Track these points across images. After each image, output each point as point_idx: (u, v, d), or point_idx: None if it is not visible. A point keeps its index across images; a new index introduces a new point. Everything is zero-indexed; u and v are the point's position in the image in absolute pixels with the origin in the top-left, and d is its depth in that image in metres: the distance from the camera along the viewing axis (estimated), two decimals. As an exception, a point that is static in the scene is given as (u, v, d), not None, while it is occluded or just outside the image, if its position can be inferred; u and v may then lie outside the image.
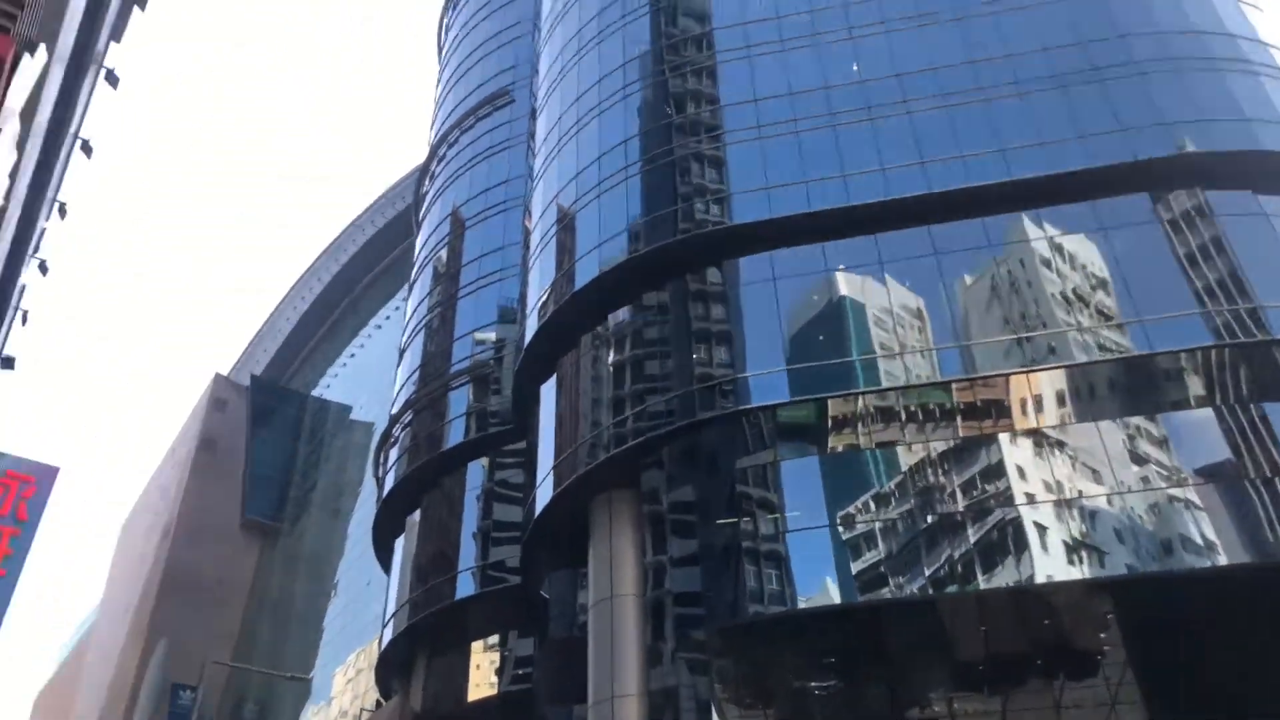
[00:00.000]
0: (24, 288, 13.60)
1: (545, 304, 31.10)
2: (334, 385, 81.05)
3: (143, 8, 13.39)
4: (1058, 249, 26.03)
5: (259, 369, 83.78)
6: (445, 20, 51.85)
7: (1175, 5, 28.89)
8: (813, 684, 25.23)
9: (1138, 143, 26.45)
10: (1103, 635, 24.28)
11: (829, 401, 25.12)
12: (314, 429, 78.82)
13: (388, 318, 73.09)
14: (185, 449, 79.14)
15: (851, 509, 23.98)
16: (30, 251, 13.32)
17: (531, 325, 31.62)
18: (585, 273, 29.62)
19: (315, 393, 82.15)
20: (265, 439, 77.48)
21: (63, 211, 14.25)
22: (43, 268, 14.43)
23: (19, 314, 14.51)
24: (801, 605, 22.85)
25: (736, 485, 25.27)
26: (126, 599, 78.04)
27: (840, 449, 25.16)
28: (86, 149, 13.74)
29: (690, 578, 25.25)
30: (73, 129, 13.36)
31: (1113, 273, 25.08)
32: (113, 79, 14.17)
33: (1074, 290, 25.24)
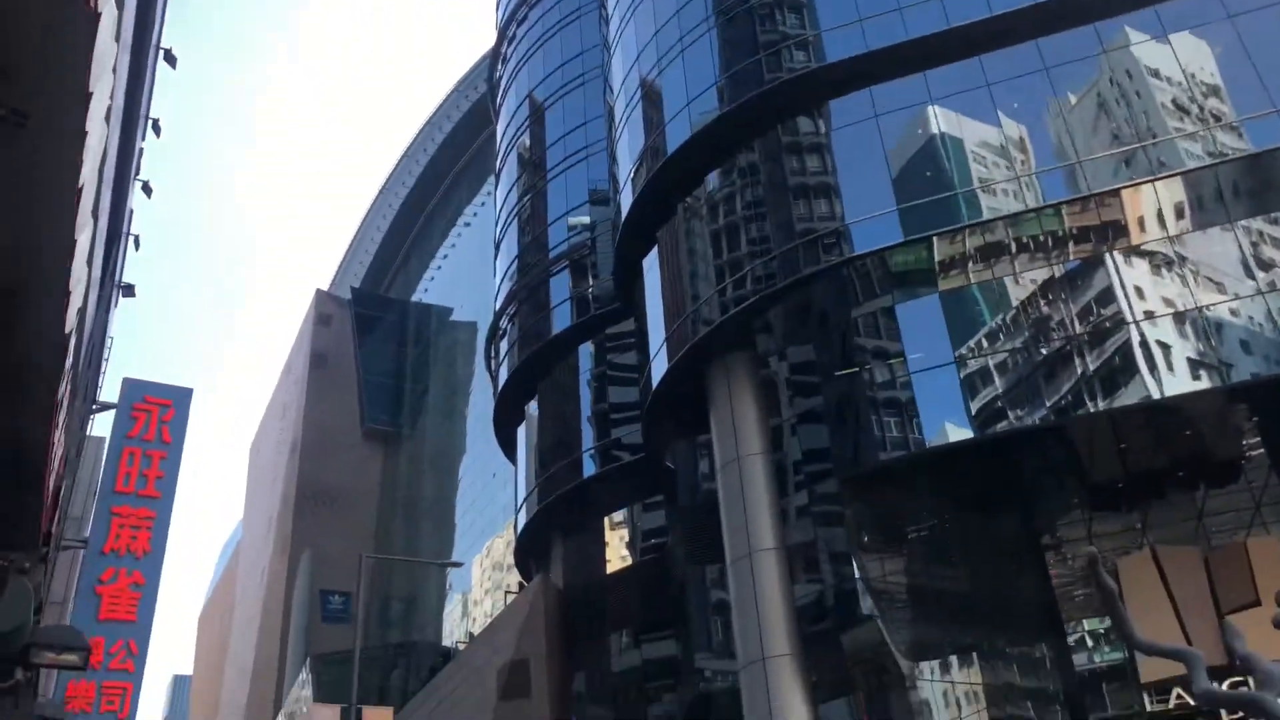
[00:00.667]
0: (131, 213, 13.46)
1: (638, 175, 30.42)
2: (431, 288, 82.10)
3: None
4: (1168, 53, 24.19)
5: (357, 281, 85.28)
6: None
7: None
8: (946, 520, 25.21)
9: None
10: (1244, 442, 23.65)
11: (937, 241, 24.20)
12: (418, 334, 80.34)
13: (475, 214, 73.19)
14: (299, 366, 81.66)
15: (970, 346, 23.58)
16: (133, 173, 13.13)
17: (626, 199, 31.04)
18: (676, 136, 28.76)
19: (414, 298, 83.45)
20: (372, 349, 79.29)
21: (156, 129, 14.00)
22: (146, 189, 14.29)
23: (130, 240, 14.43)
24: (930, 445, 22.54)
25: (851, 336, 24.82)
26: (266, 515, 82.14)
27: (953, 287, 24.36)
28: (170, 59, 13.37)
29: (813, 433, 25.18)
30: (154, 39, 12.97)
31: (1225, 72, 23.25)
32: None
33: (1188, 96, 23.54)
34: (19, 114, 5.33)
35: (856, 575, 22.39)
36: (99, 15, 5.17)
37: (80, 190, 6.01)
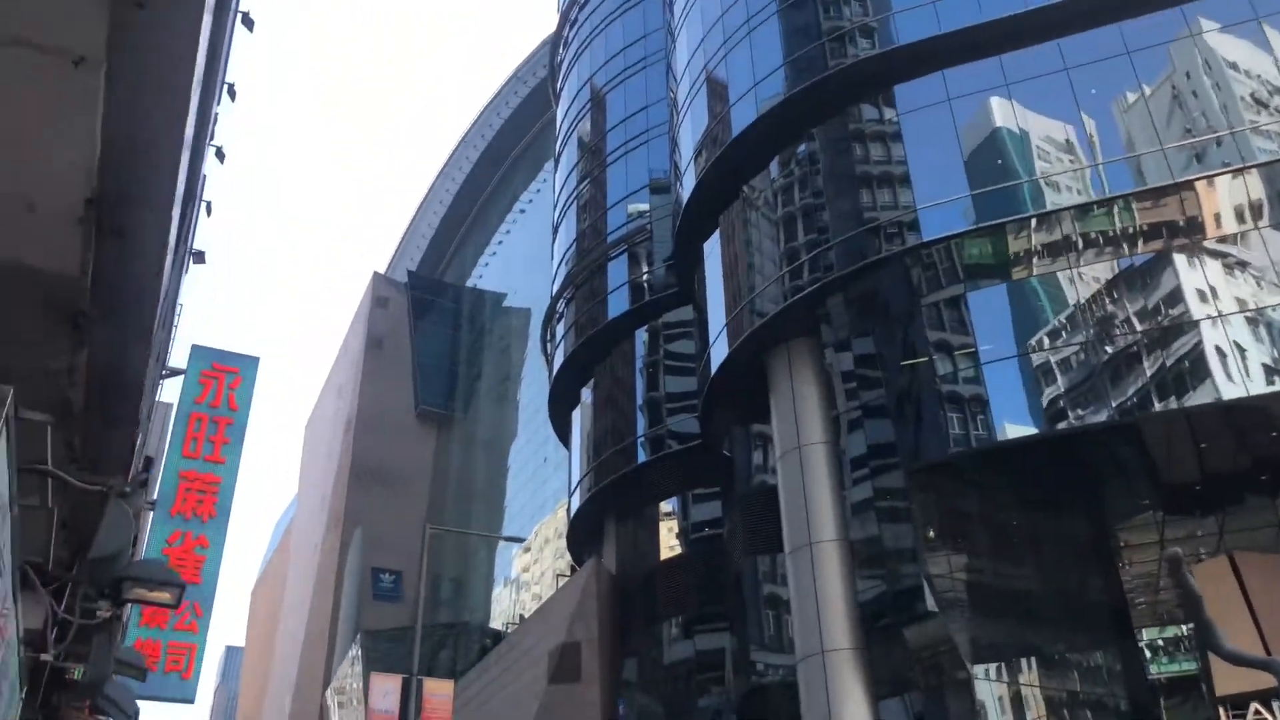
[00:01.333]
0: (205, 178, 13.30)
1: (701, 156, 30.04)
2: (485, 274, 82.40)
3: None
4: (1247, 45, 23.30)
5: (414, 265, 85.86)
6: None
7: None
8: (1013, 518, 24.61)
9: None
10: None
11: (1006, 231, 23.59)
12: (473, 318, 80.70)
13: (530, 201, 73.23)
14: (356, 347, 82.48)
15: (1040, 337, 23.07)
16: (208, 138, 12.93)
17: (689, 181, 30.68)
18: (742, 117, 28.32)
19: (469, 283, 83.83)
20: (427, 332, 79.77)
21: (232, 93, 13.78)
22: (219, 154, 14.11)
23: (203, 205, 14.29)
24: (1000, 439, 21.98)
25: (917, 326, 24.28)
26: (320, 492, 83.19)
27: (1023, 278, 23.76)
28: (248, 22, 13.13)
29: (877, 425, 24.69)
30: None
31: None
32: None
33: (1268, 90, 22.67)
34: None
35: (920, 571, 21.87)
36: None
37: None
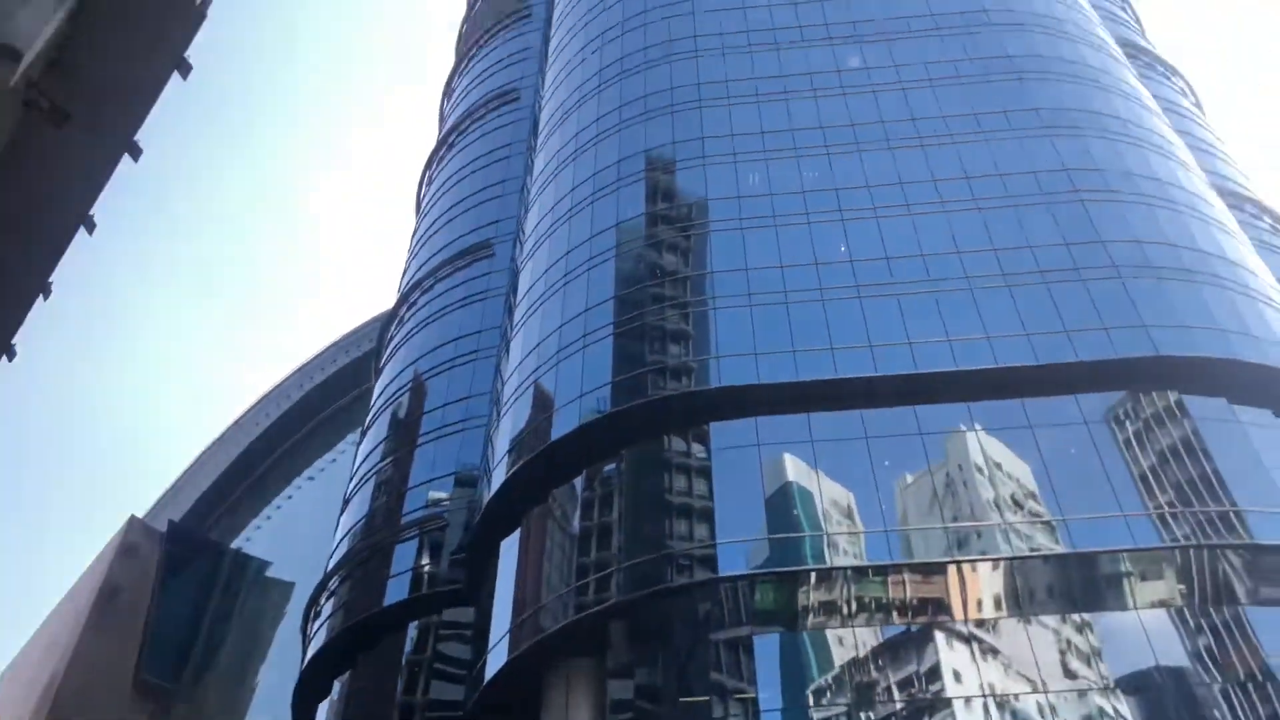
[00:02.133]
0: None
1: (516, 455, 29.91)
2: (255, 538, 77.09)
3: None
4: (1001, 449, 26.11)
5: (179, 514, 79.51)
6: (428, 174, 52.56)
7: (1150, 217, 30.16)
8: None
9: (1119, 341, 26.97)
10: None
11: (795, 581, 24.30)
12: (229, 584, 74.17)
13: (322, 469, 70.59)
14: (84, 596, 73.63)
15: (808, 694, 23.22)
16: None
17: (498, 477, 30.30)
18: (562, 425, 28.73)
19: (236, 543, 77.92)
20: (175, 591, 72.49)
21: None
22: (10, 353, 13.09)
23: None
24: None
25: (699, 663, 24.01)
26: (-4, 759, 70.61)
27: (804, 629, 24.21)
28: (90, 224, 12.70)
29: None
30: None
31: (1051, 474, 25.07)
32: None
33: (1012, 494, 25.30)
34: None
35: None
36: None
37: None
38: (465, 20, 64.20)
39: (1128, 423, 26.44)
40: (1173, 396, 26.17)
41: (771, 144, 34.24)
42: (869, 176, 32.41)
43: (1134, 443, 26.00)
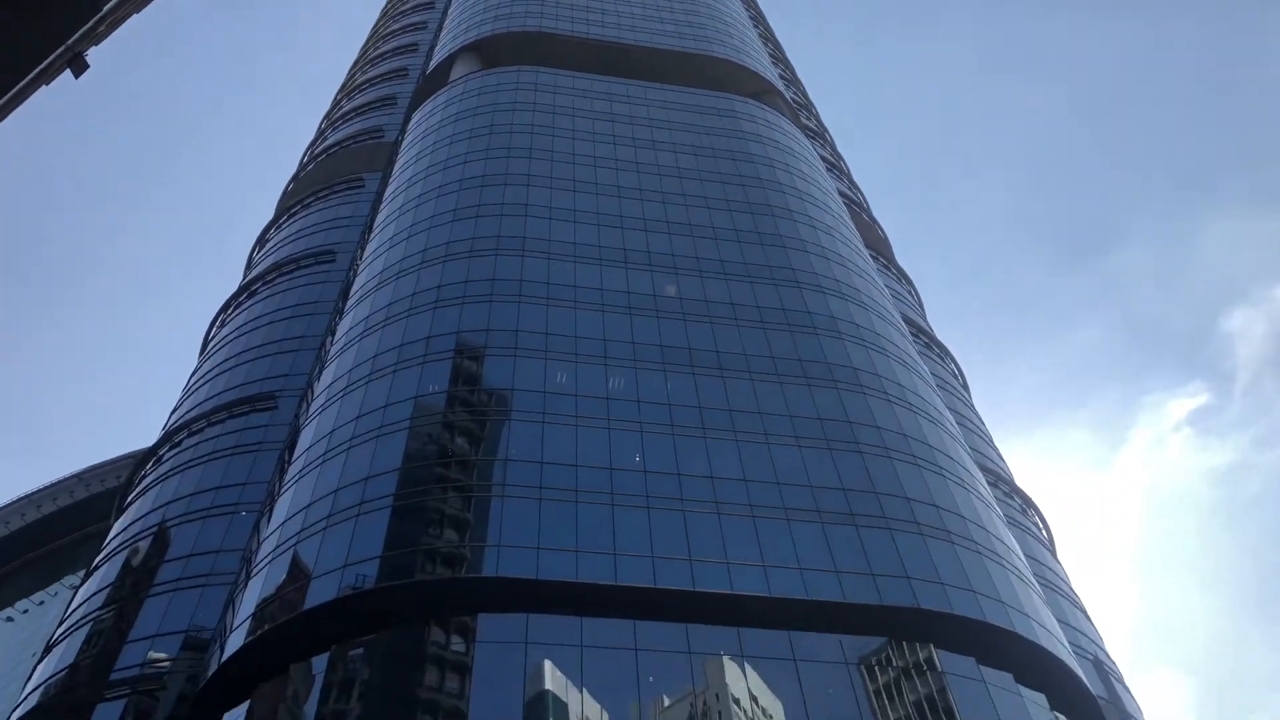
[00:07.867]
0: None
1: (259, 620, 27.37)
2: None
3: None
4: (754, 687, 26.21)
5: None
6: (222, 316, 50.26)
7: (919, 478, 32.33)
8: None
9: (884, 588, 28.08)
10: None
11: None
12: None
13: (26, 611, 62.27)
14: None
15: None
16: None
17: (235, 641, 27.50)
18: (320, 593, 26.67)
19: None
20: None
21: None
22: None
23: None
24: None
25: None
26: None
27: None
28: None
29: None
30: None
31: (808, 712, 25.21)
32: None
33: None
34: None
35: None
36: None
37: None
38: (293, 179, 64.03)
39: (878, 671, 27.11)
40: (924, 653, 27.18)
41: (584, 349, 34.97)
42: (671, 395, 33.45)
43: (883, 694, 26.59)
